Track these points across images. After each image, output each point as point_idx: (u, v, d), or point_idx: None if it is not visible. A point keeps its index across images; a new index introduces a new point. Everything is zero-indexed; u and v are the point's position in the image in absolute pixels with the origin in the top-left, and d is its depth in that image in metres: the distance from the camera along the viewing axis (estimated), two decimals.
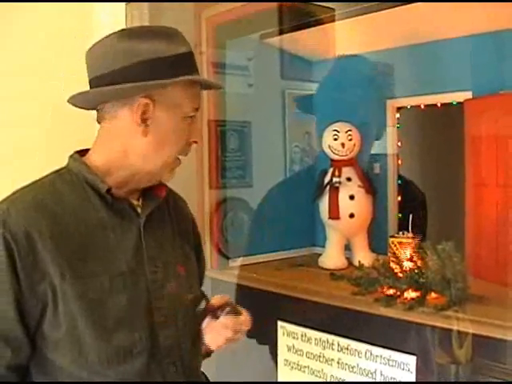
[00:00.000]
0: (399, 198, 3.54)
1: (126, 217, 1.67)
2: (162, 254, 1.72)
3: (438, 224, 3.45)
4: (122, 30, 1.66)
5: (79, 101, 1.69)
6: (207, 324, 1.89)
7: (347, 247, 3.50)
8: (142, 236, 1.68)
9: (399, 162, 3.53)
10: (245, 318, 1.88)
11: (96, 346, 1.53)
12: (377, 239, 3.46)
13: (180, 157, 1.77)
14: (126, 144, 1.62)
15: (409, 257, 2.94)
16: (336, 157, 3.41)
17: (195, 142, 1.79)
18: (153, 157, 1.61)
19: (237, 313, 1.85)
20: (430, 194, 3.62)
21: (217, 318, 1.84)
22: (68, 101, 1.71)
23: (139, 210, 1.71)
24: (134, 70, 1.53)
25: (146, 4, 3.20)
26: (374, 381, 2.58)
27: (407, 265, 2.92)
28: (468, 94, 3.09)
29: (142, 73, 1.53)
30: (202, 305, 1.96)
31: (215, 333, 1.74)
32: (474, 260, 3.05)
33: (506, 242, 2.88)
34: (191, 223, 2.06)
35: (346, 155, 3.40)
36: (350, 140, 3.39)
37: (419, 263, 2.87)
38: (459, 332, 2.53)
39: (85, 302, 1.49)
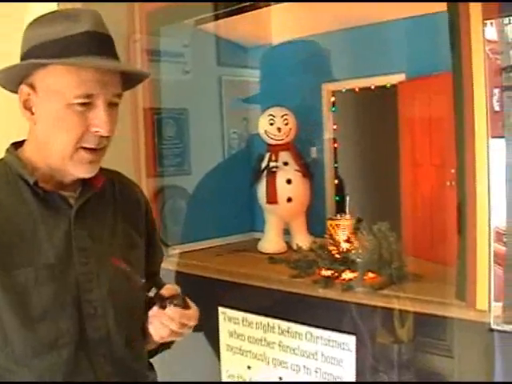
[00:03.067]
0: (336, 181, 3.53)
1: (57, 209, 1.58)
2: (95, 246, 1.67)
3: (375, 205, 3.43)
4: (36, 17, 1.60)
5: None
6: (153, 313, 1.79)
7: (286, 231, 3.47)
8: (73, 227, 1.57)
9: (335, 145, 3.51)
10: (193, 312, 1.79)
11: (21, 336, 1.47)
12: (315, 222, 3.43)
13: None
14: (34, 134, 1.52)
15: (346, 238, 2.90)
16: (272, 141, 3.37)
17: (97, 132, 1.62)
18: (46, 147, 1.53)
19: (185, 306, 1.75)
20: (367, 176, 3.61)
21: (163, 308, 1.74)
22: None
23: (72, 201, 1.59)
24: (26, 56, 1.50)
25: None
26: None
27: (344, 246, 2.90)
28: (401, 77, 3.08)
29: (30, 58, 1.48)
30: (152, 293, 1.86)
31: (159, 323, 1.66)
32: (410, 239, 3.04)
33: (440, 220, 2.87)
34: (142, 209, 1.95)
35: (283, 140, 3.36)
36: (286, 124, 3.35)
37: (356, 244, 2.85)
38: (400, 311, 2.50)
39: (10, 294, 1.46)
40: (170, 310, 1.73)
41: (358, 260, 2.75)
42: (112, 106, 1.63)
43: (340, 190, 3.53)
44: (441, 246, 2.82)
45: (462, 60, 2.20)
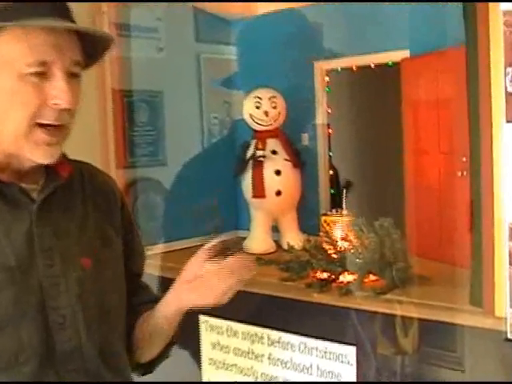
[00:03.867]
0: (331, 172, 3.51)
1: (16, 203, 1.52)
2: (61, 244, 1.62)
3: (375, 198, 3.40)
4: None
5: None
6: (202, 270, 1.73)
7: (275, 228, 3.45)
8: (35, 224, 1.49)
9: (330, 131, 3.48)
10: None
11: None
12: (307, 218, 3.41)
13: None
14: None
15: (343, 236, 2.87)
16: (259, 127, 3.33)
17: (55, 105, 1.56)
18: (0, 129, 1.42)
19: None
20: (366, 166, 3.58)
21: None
22: None
23: (35, 194, 1.51)
24: None
25: None
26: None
27: (342, 245, 2.85)
28: (405, 53, 3.05)
29: None
30: (142, 297, 1.80)
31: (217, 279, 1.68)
32: (415, 237, 3.01)
33: (450, 215, 2.83)
34: (118, 201, 1.87)
35: (270, 125, 3.32)
36: (274, 108, 3.31)
37: (355, 242, 2.79)
38: (403, 318, 2.46)
39: None
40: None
41: (358, 260, 2.69)
42: (72, 76, 1.56)
43: (335, 181, 3.54)
44: (451, 245, 2.78)
45: (478, 33, 2.14)
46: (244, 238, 3.47)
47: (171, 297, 1.76)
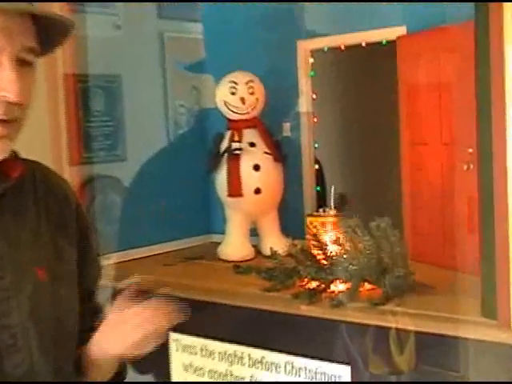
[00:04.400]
0: (316, 167, 3.51)
1: None
2: (12, 252, 1.61)
3: (367, 196, 3.42)
4: None
5: None
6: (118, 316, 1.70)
7: (253, 232, 3.46)
8: None
9: (315, 119, 3.48)
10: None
11: None
12: (290, 220, 3.43)
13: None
14: None
15: (334, 239, 2.85)
16: (235, 116, 3.33)
17: (3, 98, 1.53)
18: None
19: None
20: (357, 159, 3.59)
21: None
22: None
23: None
24: None
25: None
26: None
27: (332, 249, 2.84)
28: (401, 30, 3.06)
29: None
30: (89, 323, 1.78)
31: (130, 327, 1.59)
32: (414, 239, 3.03)
33: (455, 214, 2.85)
34: (72, 207, 1.84)
35: (248, 113, 3.32)
36: (252, 94, 3.30)
37: (348, 246, 2.80)
38: (403, 332, 2.46)
39: None
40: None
41: (351, 267, 2.70)
42: (24, 65, 1.54)
43: (321, 177, 3.54)
44: (456, 248, 2.80)
45: (490, 7, 2.15)
46: (218, 243, 3.47)
47: (94, 342, 1.75)
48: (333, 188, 3.14)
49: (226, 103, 3.33)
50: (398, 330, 2.46)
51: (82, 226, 1.90)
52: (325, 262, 2.81)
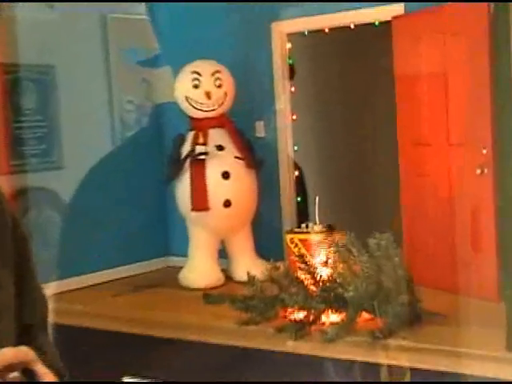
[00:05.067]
0: (296, 173, 3.51)
1: None
2: None
3: (359, 208, 3.41)
4: None
5: None
6: None
7: (222, 253, 3.46)
8: None
9: (294, 117, 3.49)
10: None
11: None
12: (267, 237, 3.44)
13: None
14: None
15: (324, 260, 2.85)
16: (198, 113, 3.33)
17: None
18: None
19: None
20: (344, 163, 3.59)
21: None
22: None
23: None
24: None
25: None
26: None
27: (323, 272, 2.83)
28: (398, 9, 3.08)
29: None
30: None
31: None
32: (414, 258, 3.03)
33: (464, 227, 2.87)
34: (7, 224, 1.80)
35: (214, 110, 3.33)
36: (219, 87, 3.31)
37: (341, 269, 2.79)
38: (415, 371, 2.47)
39: None
40: None
41: (347, 294, 2.69)
42: None
43: (302, 185, 3.54)
44: (468, 269, 2.81)
45: None
46: (179, 268, 3.47)
47: None
48: (317, 199, 3.13)
49: (187, 98, 3.33)
50: (414, 368, 2.44)
51: (20, 247, 1.85)
52: (314, 288, 2.81)
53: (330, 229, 3.00)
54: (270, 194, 3.49)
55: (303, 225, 3.11)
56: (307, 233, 3.06)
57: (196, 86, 3.31)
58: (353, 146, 3.60)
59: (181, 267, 3.48)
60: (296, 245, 3.07)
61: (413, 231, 3.10)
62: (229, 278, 3.43)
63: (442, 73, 2.93)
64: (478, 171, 2.75)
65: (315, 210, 3.12)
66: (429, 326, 2.67)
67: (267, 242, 3.44)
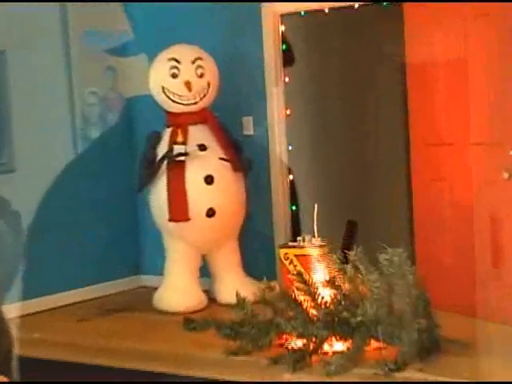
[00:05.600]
0: (291, 177, 3.51)
1: None
2: None
3: (364, 219, 3.41)
4: None
5: None
6: None
7: (203, 271, 3.45)
8: None
9: (287, 112, 3.49)
10: None
11: None
12: (256, 252, 3.46)
13: None
14: None
15: (327, 279, 2.84)
16: (177, 107, 3.33)
17: None
18: None
19: None
20: (347, 165, 3.59)
21: None
22: None
23: None
24: None
25: None
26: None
27: (325, 293, 2.82)
28: None
29: None
30: None
31: None
32: (429, 276, 3.01)
33: (489, 241, 2.87)
34: None
35: (195, 103, 3.33)
36: (201, 76, 3.31)
37: (347, 289, 2.78)
38: None
39: None
40: None
41: (354, 319, 2.69)
42: None
43: (296, 192, 3.54)
44: (494, 291, 2.82)
45: None
46: (152, 288, 3.47)
47: None
48: (316, 207, 3.12)
49: (164, 90, 3.33)
50: None
51: None
52: (315, 312, 2.80)
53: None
54: (260, 201, 3.51)
55: (299, 238, 3.09)
56: (303, 247, 3.04)
57: (174, 76, 3.30)
58: (355, 145, 3.61)
59: (155, 287, 3.47)
60: (291, 261, 3.05)
61: (426, 244, 3.09)
62: (212, 299, 3.42)
63: (463, 62, 2.93)
64: (506, 175, 2.76)
65: (313, 221, 3.09)
66: (447, 355, 2.65)
67: (256, 258, 3.45)
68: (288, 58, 3.50)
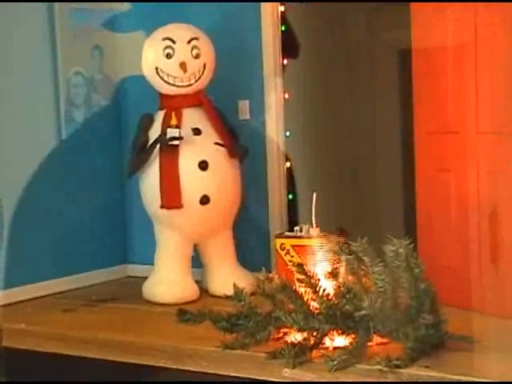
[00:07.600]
0: (288, 165, 3.50)
1: None
2: None
3: (363, 209, 3.41)
4: None
5: None
6: None
7: (195, 260, 3.44)
8: None
9: (286, 96, 3.49)
10: None
11: None
12: (251, 242, 3.48)
13: None
14: None
15: (330, 271, 2.83)
16: (171, 89, 3.32)
17: None
18: None
19: None
20: (345, 151, 3.60)
21: None
22: None
23: None
24: None
25: None
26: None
27: (327, 285, 2.80)
28: None
29: None
30: None
31: None
32: (433, 270, 3.01)
33: (497, 234, 2.87)
34: None
35: (190, 85, 3.32)
36: (197, 57, 3.30)
37: (350, 282, 2.78)
38: None
39: None
40: None
41: (357, 313, 2.68)
42: None
43: (294, 180, 3.54)
44: (505, 285, 2.82)
45: None
46: (140, 278, 3.47)
47: None
48: (314, 195, 3.12)
49: (157, 70, 3.31)
50: None
51: None
52: (316, 305, 2.78)
53: (341, 233, 2.98)
54: (256, 189, 3.51)
55: (296, 228, 3.11)
56: (302, 237, 3.06)
57: (168, 56, 3.30)
58: (357, 132, 3.61)
59: (143, 277, 3.46)
60: (287, 252, 3.08)
61: (430, 236, 3.08)
62: (203, 291, 3.42)
63: (471, 48, 2.92)
64: None
65: (312, 210, 3.11)
66: (456, 352, 2.64)
67: (251, 249, 3.46)
68: (287, 40, 3.49)
